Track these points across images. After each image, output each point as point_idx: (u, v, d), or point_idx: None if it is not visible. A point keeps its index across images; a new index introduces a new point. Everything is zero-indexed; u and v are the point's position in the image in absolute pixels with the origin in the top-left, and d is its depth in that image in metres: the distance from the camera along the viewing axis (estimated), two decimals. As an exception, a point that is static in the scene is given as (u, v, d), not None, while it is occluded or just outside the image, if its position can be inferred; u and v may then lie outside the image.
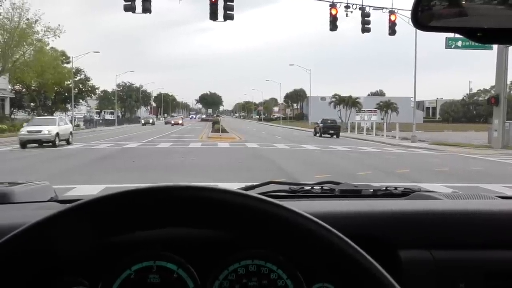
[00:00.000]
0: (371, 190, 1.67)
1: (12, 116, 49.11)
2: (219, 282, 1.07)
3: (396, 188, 1.67)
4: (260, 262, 1.08)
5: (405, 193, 1.61)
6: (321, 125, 40.56)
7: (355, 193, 1.65)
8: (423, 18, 0.95)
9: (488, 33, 0.92)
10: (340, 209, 1.20)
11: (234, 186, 1.15)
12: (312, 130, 44.81)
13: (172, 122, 78.33)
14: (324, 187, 1.69)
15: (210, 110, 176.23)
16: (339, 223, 0.99)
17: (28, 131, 23.82)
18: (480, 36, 0.93)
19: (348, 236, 0.67)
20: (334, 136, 38.27)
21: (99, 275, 1.03)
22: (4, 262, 0.64)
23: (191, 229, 0.68)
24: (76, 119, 54.82)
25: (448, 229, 1.15)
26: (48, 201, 1.49)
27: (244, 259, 1.08)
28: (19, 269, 0.65)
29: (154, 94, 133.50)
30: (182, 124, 73.85)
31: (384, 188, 1.69)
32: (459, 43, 27.58)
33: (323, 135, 38.98)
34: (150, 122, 79.33)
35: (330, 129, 39.44)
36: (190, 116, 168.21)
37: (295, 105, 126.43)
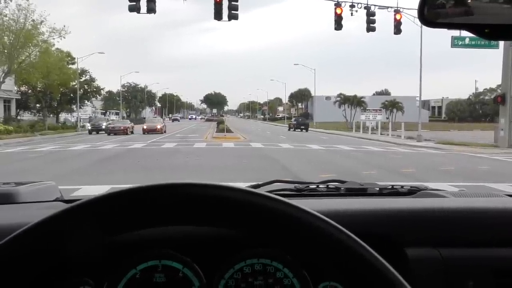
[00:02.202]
0: (377, 189, 1.66)
1: (18, 117, 49.42)
2: (224, 281, 1.06)
3: (402, 187, 1.66)
4: (266, 261, 1.07)
5: (412, 192, 1.60)
6: (294, 122, 56.00)
7: (360, 192, 1.64)
8: (429, 15, 0.94)
9: (495, 29, 0.91)
10: (346, 208, 1.19)
11: (239, 185, 1.14)
12: (317, 129, 53.46)
13: (144, 127, 44.40)
14: (329, 186, 1.68)
15: (214, 110, 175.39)
16: (345, 221, 0.98)
17: None
18: (487, 33, 0.92)
19: (354, 234, 0.66)
20: (304, 130, 50.95)
21: (104, 275, 1.03)
22: (8, 262, 0.64)
23: (197, 227, 0.67)
24: (81, 120, 55.03)
25: (455, 227, 1.14)
26: (53, 201, 1.49)
27: (250, 258, 1.07)
28: (23, 268, 0.64)
29: (159, 94, 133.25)
30: (161, 131, 42.78)
31: (390, 186, 1.68)
32: (465, 42, 27.42)
33: (296, 130, 51.64)
34: (103, 127, 44.52)
35: (301, 125, 53.06)
36: (190, 116, 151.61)
37: (299, 104, 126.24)
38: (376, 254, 0.65)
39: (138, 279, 1.04)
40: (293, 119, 60.22)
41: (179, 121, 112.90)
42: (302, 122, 54.27)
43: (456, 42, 27.76)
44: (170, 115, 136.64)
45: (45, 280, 1.00)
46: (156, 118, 59.13)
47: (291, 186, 1.66)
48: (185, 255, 1.05)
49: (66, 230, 0.64)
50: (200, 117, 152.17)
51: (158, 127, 43.89)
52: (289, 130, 53.44)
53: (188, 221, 0.67)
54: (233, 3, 21.60)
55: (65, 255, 0.65)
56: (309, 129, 53.71)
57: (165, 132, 43.68)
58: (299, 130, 51.38)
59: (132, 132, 41.98)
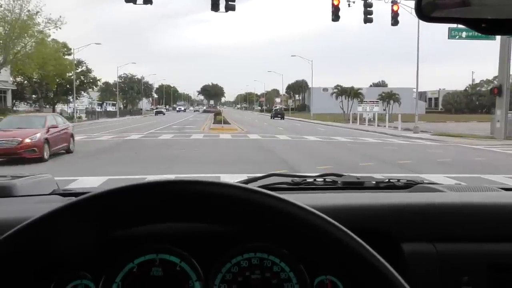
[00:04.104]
0: (374, 182, 1.67)
1: (14, 108, 49.18)
2: (222, 275, 1.06)
3: (398, 180, 1.67)
4: (263, 255, 1.07)
5: (408, 185, 1.61)
6: (274, 112, 70.74)
7: (357, 185, 1.65)
8: (427, 9, 0.93)
9: (492, 24, 0.91)
10: (343, 202, 1.19)
11: (236, 178, 1.14)
12: (314, 121, 56.12)
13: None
14: (326, 179, 1.68)
15: (212, 102, 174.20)
16: (342, 216, 0.99)
17: None
18: (484, 27, 0.92)
19: (350, 229, 0.66)
20: (282, 119, 62.55)
21: (102, 269, 1.03)
22: (8, 256, 0.64)
23: (194, 223, 0.67)
24: (78, 111, 54.81)
25: (451, 221, 1.14)
26: (50, 194, 1.49)
27: (247, 252, 1.07)
28: (22, 263, 0.64)
29: (156, 85, 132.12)
30: (38, 153, 13.51)
31: (387, 180, 1.69)
32: (462, 34, 27.39)
33: (275, 118, 64.76)
34: None
35: (278, 114, 66.69)
36: (178, 108, 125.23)
37: (297, 96, 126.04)
38: (371, 250, 0.65)
39: (135, 273, 1.04)
40: (273, 109, 77.28)
41: (164, 114, 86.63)
42: (279, 112, 68.87)
43: (453, 34, 27.72)
44: (167, 106, 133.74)
45: (43, 274, 1.00)
46: (32, 116, 17.83)
47: (288, 179, 1.66)
48: (183, 249, 1.05)
49: (66, 226, 0.65)
50: (194, 110, 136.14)
51: (27, 141, 13.91)
52: (271, 118, 66.73)
53: (184, 218, 0.67)
54: (230, -7, 21.46)
55: (63, 249, 0.66)
56: (307, 120, 58.00)
57: (70, 151, 16.56)
58: (278, 118, 64.42)
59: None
